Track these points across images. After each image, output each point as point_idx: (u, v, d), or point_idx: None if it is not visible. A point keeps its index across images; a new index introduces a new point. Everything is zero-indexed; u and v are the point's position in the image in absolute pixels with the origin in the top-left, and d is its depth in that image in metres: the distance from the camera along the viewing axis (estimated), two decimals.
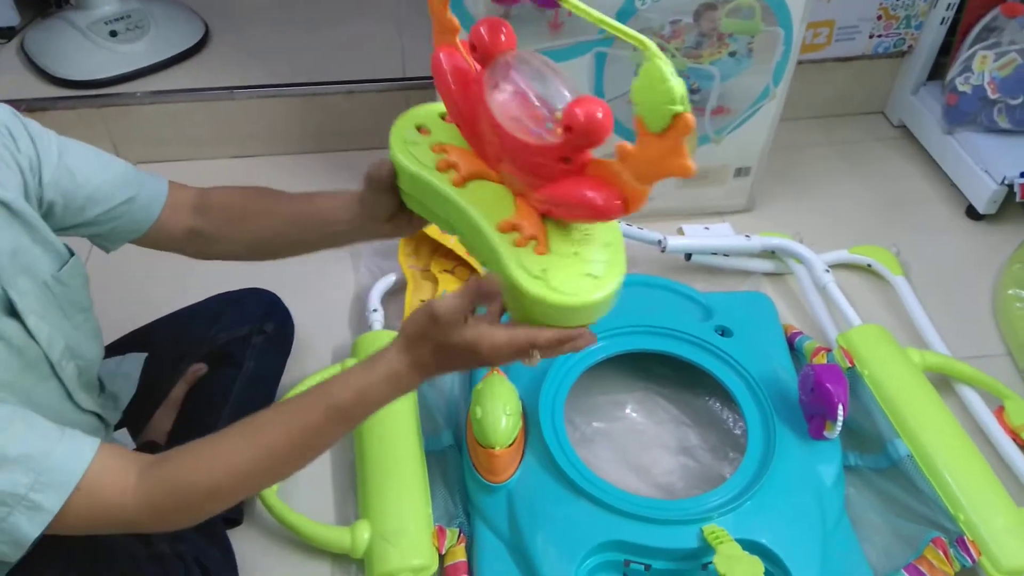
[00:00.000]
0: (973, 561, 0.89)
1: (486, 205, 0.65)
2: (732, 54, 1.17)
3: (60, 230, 0.76)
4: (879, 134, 1.59)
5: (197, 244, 0.82)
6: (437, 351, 0.64)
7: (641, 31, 1.08)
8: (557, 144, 0.57)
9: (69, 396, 0.78)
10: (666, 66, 0.50)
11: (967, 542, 0.90)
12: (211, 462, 0.64)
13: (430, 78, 0.66)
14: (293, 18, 1.68)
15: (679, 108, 0.50)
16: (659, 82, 0.50)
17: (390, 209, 0.72)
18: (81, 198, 0.75)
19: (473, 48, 0.61)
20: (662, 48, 1.15)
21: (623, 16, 1.11)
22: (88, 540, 0.71)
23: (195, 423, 0.97)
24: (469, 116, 0.65)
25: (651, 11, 1.12)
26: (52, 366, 0.73)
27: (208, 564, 0.82)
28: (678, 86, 0.50)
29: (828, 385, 0.93)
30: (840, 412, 0.92)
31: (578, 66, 1.16)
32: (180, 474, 0.64)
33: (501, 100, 0.60)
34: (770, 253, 1.31)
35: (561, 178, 0.60)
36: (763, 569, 0.81)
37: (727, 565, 0.81)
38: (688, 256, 1.28)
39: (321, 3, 1.73)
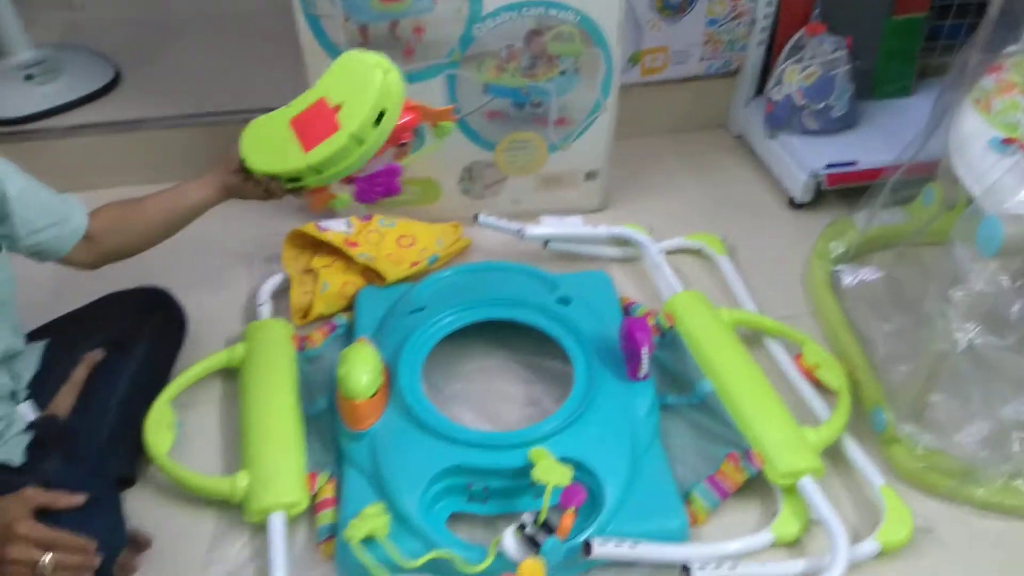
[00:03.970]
0: (758, 469, 1.07)
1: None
2: (563, 72, 1.38)
3: (6, 238, 0.94)
4: (721, 144, 1.82)
5: (94, 256, 1.06)
6: None
7: (481, 55, 1.31)
8: None
9: None
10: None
11: (753, 455, 1.08)
12: None
13: None
14: (196, 58, 1.87)
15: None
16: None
17: (242, 179, 1.07)
18: (30, 210, 0.94)
19: None
20: (501, 69, 1.36)
21: (464, 43, 1.32)
22: None
23: (93, 401, 1.10)
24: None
25: (487, 38, 1.32)
26: None
27: (95, 497, 0.94)
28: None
29: (635, 332, 1.12)
30: (644, 353, 1.11)
31: (432, 86, 1.36)
32: None
33: None
34: (623, 242, 1.50)
35: None
36: (572, 474, 0.98)
37: (542, 473, 0.98)
38: (545, 244, 1.47)
39: (219, 43, 1.92)
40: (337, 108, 1.02)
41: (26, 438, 1.02)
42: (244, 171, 1.10)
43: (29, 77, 1.64)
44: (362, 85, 1.02)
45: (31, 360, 1.10)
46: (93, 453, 1.05)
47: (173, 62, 1.86)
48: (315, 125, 1.03)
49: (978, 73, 1.18)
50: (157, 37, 1.96)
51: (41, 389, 1.08)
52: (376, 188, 1.18)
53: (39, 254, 1.02)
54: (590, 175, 1.55)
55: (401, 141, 1.10)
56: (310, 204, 1.17)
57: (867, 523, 1.06)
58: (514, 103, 1.41)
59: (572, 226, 1.48)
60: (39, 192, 0.99)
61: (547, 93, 1.40)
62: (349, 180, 1.13)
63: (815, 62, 1.59)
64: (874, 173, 1.43)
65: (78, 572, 0.83)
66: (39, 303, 1.22)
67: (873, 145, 1.60)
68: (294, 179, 1.08)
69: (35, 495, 0.85)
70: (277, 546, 0.99)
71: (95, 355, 1.15)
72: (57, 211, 1.00)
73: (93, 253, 1.06)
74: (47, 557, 0.80)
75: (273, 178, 1.08)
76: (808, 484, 1.04)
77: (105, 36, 1.91)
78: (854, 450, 1.13)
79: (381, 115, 1.02)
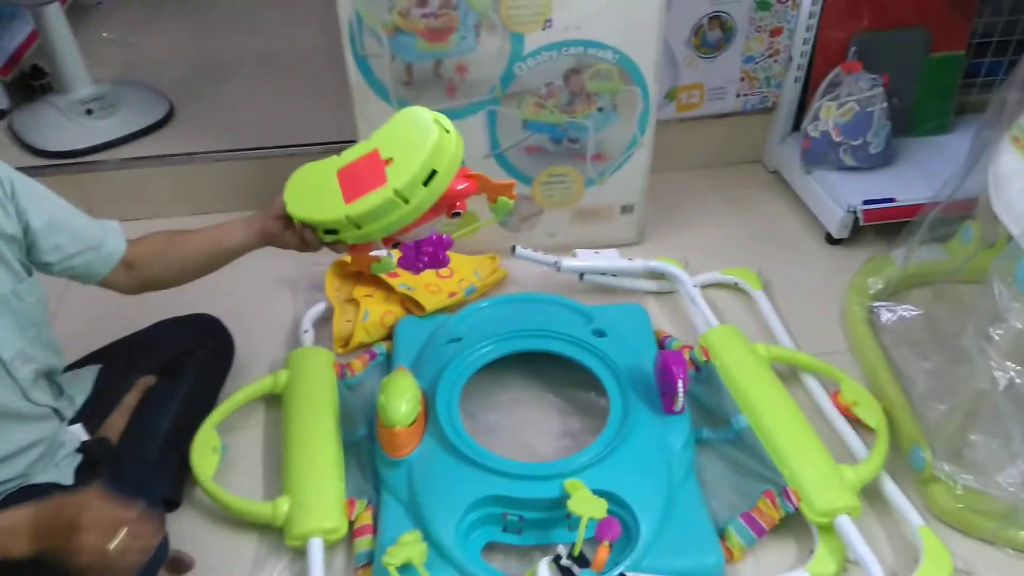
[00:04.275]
0: (794, 507, 1.06)
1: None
2: (600, 109, 1.41)
3: (40, 264, 0.98)
4: (756, 179, 1.83)
5: (133, 282, 1.08)
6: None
7: (521, 92, 1.34)
8: None
9: (24, 394, 0.96)
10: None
11: (790, 492, 1.07)
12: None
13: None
14: (245, 95, 1.95)
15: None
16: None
17: (282, 226, 1.04)
18: (61, 236, 0.98)
19: None
20: (540, 106, 1.40)
21: (506, 81, 1.36)
22: (34, 496, 0.90)
23: (143, 425, 1.15)
24: None
25: (528, 76, 1.36)
26: (5, 365, 0.91)
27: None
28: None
29: (671, 365, 1.13)
30: (680, 386, 1.12)
31: (473, 123, 1.40)
32: None
33: None
34: (658, 275, 1.52)
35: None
36: (607, 506, 0.98)
37: (577, 505, 0.99)
38: (581, 276, 1.49)
39: (268, 81, 1.99)
40: (388, 162, 0.96)
41: (77, 459, 1.06)
42: (285, 218, 1.04)
43: (89, 112, 1.72)
44: (416, 142, 0.95)
45: (85, 384, 1.14)
46: (140, 475, 1.09)
47: (225, 98, 1.94)
48: (362, 177, 0.97)
49: (1017, 111, 1.17)
50: (210, 74, 2.04)
51: (93, 412, 1.13)
52: (422, 257, 1.09)
53: (76, 278, 1.04)
54: (626, 209, 1.57)
55: (454, 210, 1.01)
56: (352, 262, 1.10)
57: (905, 564, 1.05)
58: (552, 139, 1.45)
59: (608, 259, 1.50)
60: (73, 219, 1.02)
61: (585, 129, 1.43)
62: (395, 244, 1.04)
63: (852, 99, 1.60)
64: (912, 210, 1.43)
65: (143, 550, 0.84)
66: (92, 327, 1.27)
67: (911, 182, 1.60)
68: (331, 231, 1.00)
69: (101, 490, 0.86)
70: (316, 570, 1.01)
71: (147, 380, 1.19)
72: (92, 237, 1.02)
73: (132, 279, 1.08)
74: (116, 540, 0.81)
75: (310, 227, 1.02)
76: (845, 523, 1.03)
77: (160, 72, 2.00)
78: (892, 489, 1.12)
79: (433, 175, 0.94)
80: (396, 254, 1.08)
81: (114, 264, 1.04)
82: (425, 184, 0.94)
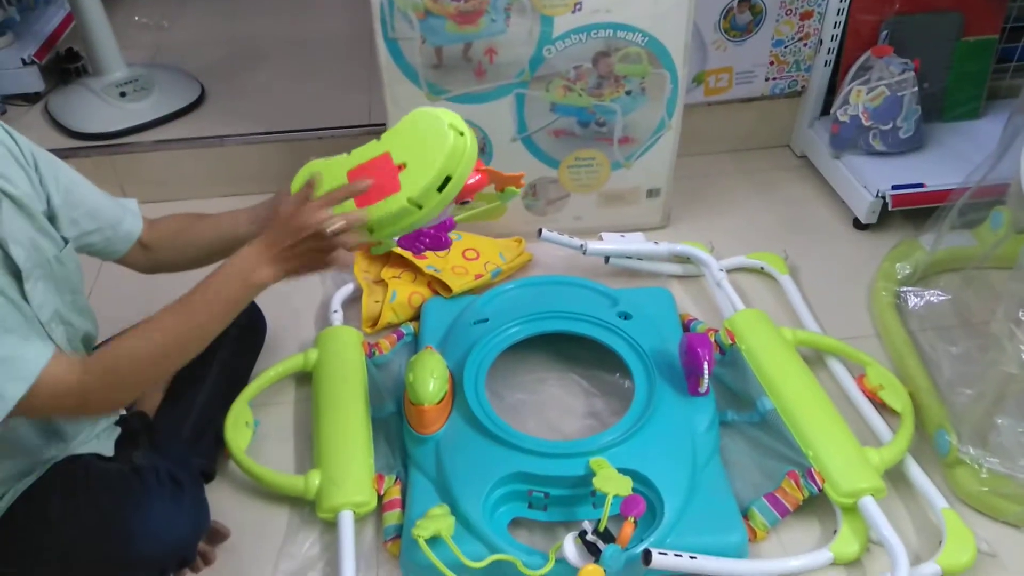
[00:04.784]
0: (819, 488, 1.07)
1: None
2: (628, 92, 1.42)
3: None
4: (784, 164, 1.82)
5: (149, 263, 1.10)
6: (275, 229, 0.92)
7: (549, 75, 1.34)
8: None
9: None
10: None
11: (814, 473, 1.08)
12: (131, 349, 0.90)
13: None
14: (275, 78, 1.97)
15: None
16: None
17: None
18: (77, 211, 0.99)
19: None
20: (569, 89, 1.40)
21: (534, 64, 1.37)
22: (78, 466, 0.94)
23: (179, 400, 1.18)
24: None
25: (557, 59, 1.37)
26: (43, 326, 0.94)
27: (181, 479, 1.01)
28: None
29: (696, 347, 1.13)
30: (706, 368, 1.12)
31: (502, 106, 1.41)
32: (111, 357, 0.89)
33: None
34: (684, 259, 1.52)
35: None
36: (631, 484, 1.00)
37: (603, 483, 1.00)
38: (607, 259, 1.50)
39: (298, 65, 2.01)
40: (401, 167, 0.94)
41: (116, 432, 1.09)
42: None
43: (123, 95, 1.75)
44: (431, 147, 0.93)
45: None
46: (177, 448, 1.12)
47: (255, 81, 1.96)
48: (375, 182, 0.94)
49: None
50: (241, 57, 2.07)
51: None
52: (423, 239, 1.09)
53: (94, 254, 1.06)
54: (652, 193, 1.58)
55: (463, 200, 1.02)
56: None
57: (928, 546, 1.05)
58: (580, 122, 1.45)
59: (634, 242, 1.50)
60: (91, 195, 1.02)
61: (612, 112, 1.44)
62: None
63: (882, 83, 1.59)
64: (941, 195, 1.42)
65: (349, 232, 0.92)
66: (127, 303, 1.30)
67: (941, 167, 1.58)
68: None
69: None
70: (346, 543, 1.04)
71: None
72: (110, 216, 1.04)
73: (149, 260, 1.10)
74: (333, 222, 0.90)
75: None
76: (869, 504, 1.04)
77: (192, 56, 2.03)
78: (916, 472, 1.12)
79: (447, 181, 0.93)
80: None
81: (131, 244, 1.07)
82: (439, 190, 0.93)
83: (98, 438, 1.06)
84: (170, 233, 1.10)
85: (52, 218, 0.98)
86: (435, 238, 1.08)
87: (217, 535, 1.09)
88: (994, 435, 1.10)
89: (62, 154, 1.00)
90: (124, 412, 1.12)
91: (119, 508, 0.94)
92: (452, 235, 1.47)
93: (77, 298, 1.02)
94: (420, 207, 0.93)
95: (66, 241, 0.98)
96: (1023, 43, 1.67)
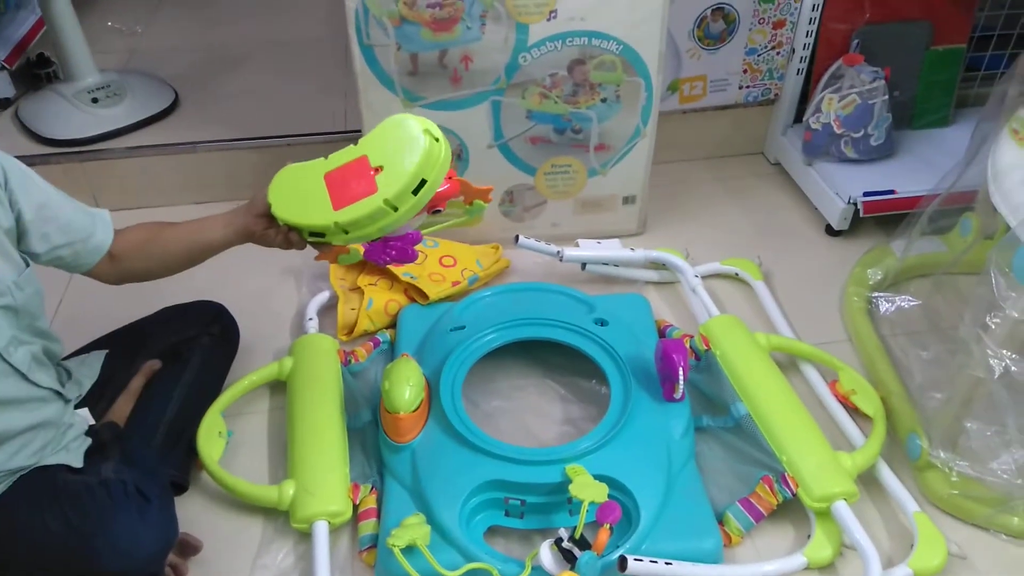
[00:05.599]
0: (792, 493, 1.08)
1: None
2: (604, 100, 1.42)
3: (27, 253, 0.98)
4: (758, 171, 1.84)
5: (116, 274, 1.08)
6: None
7: (525, 82, 1.35)
8: None
9: (24, 377, 0.97)
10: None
11: (788, 478, 1.09)
12: None
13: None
14: (250, 84, 1.96)
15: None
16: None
17: (264, 225, 1.06)
18: (49, 226, 0.98)
19: None
20: (544, 96, 1.41)
21: (510, 71, 1.37)
22: (46, 478, 0.93)
23: (149, 409, 1.16)
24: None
25: (532, 67, 1.37)
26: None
27: (148, 493, 0.99)
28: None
29: (672, 353, 1.14)
30: (681, 373, 1.13)
31: (478, 113, 1.41)
32: None
33: None
34: (659, 265, 1.53)
35: None
36: (607, 491, 1.00)
37: (579, 489, 1.00)
38: (583, 266, 1.50)
39: (273, 71, 2.00)
40: (377, 170, 0.97)
41: (86, 442, 1.07)
42: (268, 217, 1.05)
43: (95, 100, 1.73)
44: (407, 151, 0.96)
45: (92, 368, 1.16)
46: (148, 459, 1.10)
47: (230, 87, 1.95)
48: (350, 184, 0.98)
49: (1016, 104, 1.19)
50: (215, 63, 2.05)
51: (100, 396, 1.14)
52: (389, 251, 1.09)
53: (62, 267, 1.05)
54: (628, 200, 1.58)
55: (435, 208, 1.06)
56: (320, 255, 1.10)
57: (900, 549, 1.07)
58: (556, 129, 1.46)
59: (610, 249, 1.51)
60: (63, 208, 1.01)
61: (588, 120, 1.44)
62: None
63: (853, 91, 1.61)
64: (911, 202, 1.44)
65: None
66: (98, 313, 1.29)
67: (911, 174, 1.61)
68: (317, 234, 1.02)
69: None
70: (321, 553, 1.03)
71: (153, 365, 1.20)
72: (81, 228, 1.02)
73: (116, 271, 1.08)
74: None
75: (294, 229, 1.04)
76: (842, 508, 1.05)
77: (165, 62, 2.02)
78: (888, 476, 1.13)
79: (422, 184, 0.96)
80: (360, 250, 1.09)
81: (100, 256, 1.05)
82: (414, 193, 0.96)
83: (67, 449, 1.05)
84: (138, 242, 1.08)
85: (22, 234, 0.97)
86: (401, 250, 1.09)
87: (189, 547, 1.08)
88: (964, 439, 1.12)
89: (33, 161, 0.99)
90: (94, 423, 1.11)
91: (84, 523, 0.93)
92: (429, 242, 1.49)
93: (35, 322, 1.01)
94: (396, 209, 0.97)
95: (27, 263, 0.96)
96: (990, 52, 1.70)
